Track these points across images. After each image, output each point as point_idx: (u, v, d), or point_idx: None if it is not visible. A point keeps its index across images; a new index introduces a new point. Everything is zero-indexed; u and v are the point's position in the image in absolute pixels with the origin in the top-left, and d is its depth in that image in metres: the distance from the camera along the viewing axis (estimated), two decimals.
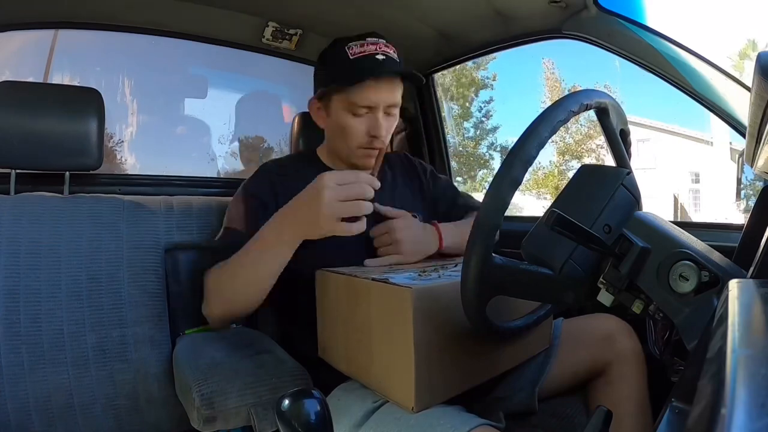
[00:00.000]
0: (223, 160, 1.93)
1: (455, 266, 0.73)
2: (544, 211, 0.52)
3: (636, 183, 0.56)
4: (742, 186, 0.81)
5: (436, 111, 1.50)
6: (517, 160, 0.48)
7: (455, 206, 1.01)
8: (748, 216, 0.58)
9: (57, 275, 0.84)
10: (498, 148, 11.51)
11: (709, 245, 0.50)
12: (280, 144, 1.86)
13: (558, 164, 11.06)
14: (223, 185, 1.26)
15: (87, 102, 0.93)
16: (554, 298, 0.54)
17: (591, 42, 0.97)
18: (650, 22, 0.91)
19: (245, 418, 0.66)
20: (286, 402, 0.43)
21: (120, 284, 0.88)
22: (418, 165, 1.04)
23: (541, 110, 0.50)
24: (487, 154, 11.80)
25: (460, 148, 11.57)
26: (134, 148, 1.84)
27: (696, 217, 10.81)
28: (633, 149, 0.64)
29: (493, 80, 11.22)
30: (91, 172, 0.96)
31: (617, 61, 0.95)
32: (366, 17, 1.16)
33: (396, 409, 0.59)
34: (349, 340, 0.68)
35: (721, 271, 0.45)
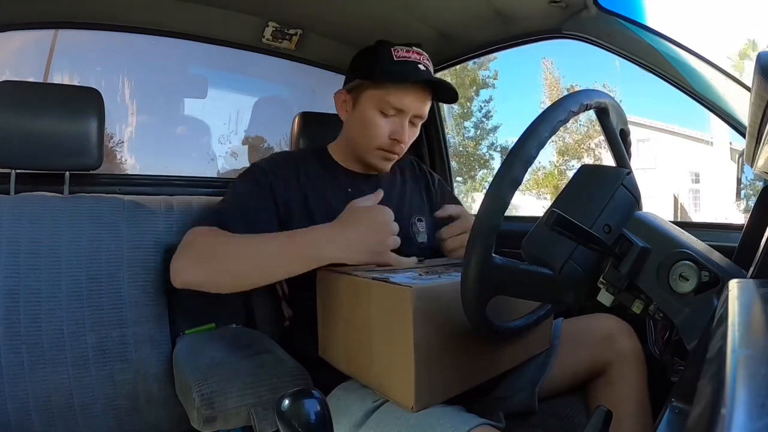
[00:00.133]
0: (223, 160, 1.93)
1: (455, 266, 0.73)
2: (544, 211, 0.52)
3: (636, 183, 0.56)
4: (742, 186, 0.81)
5: (436, 111, 1.50)
6: (517, 160, 0.48)
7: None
8: (748, 216, 0.58)
9: (57, 275, 0.84)
10: (498, 148, 11.53)
11: (709, 245, 0.50)
12: (280, 144, 1.86)
13: (558, 164, 11.07)
14: (223, 185, 1.26)
15: (87, 102, 0.93)
16: (554, 298, 0.54)
17: (591, 42, 0.97)
18: (650, 22, 0.91)
19: (245, 418, 0.66)
20: (286, 402, 0.43)
21: (120, 284, 0.88)
22: (427, 172, 1.04)
23: (540, 110, 0.50)
24: (487, 154, 11.81)
25: (460, 148, 11.58)
26: (134, 148, 1.84)
27: (696, 217, 10.81)
28: (633, 149, 0.64)
29: (495, 78, 11.24)
30: (91, 172, 0.96)
31: (617, 61, 0.95)
32: (366, 17, 1.16)
33: (396, 409, 0.59)
34: (349, 340, 0.68)
35: (721, 271, 0.45)
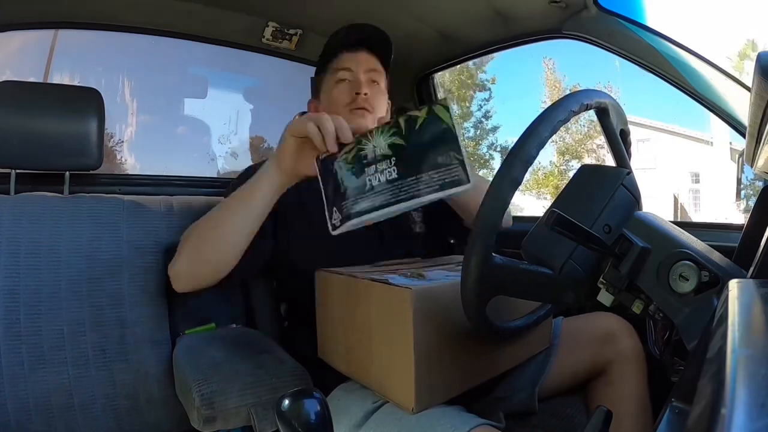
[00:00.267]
0: (223, 160, 1.93)
1: (455, 266, 0.73)
2: (544, 211, 0.52)
3: (636, 183, 0.56)
4: (742, 186, 0.81)
5: None
6: (517, 160, 0.48)
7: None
8: (748, 216, 0.58)
9: (57, 275, 0.84)
10: (498, 148, 11.52)
11: (709, 245, 0.50)
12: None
13: (558, 164, 11.06)
14: (223, 185, 1.26)
15: (87, 102, 0.93)
16: (554, 298, 0.54)
17: (591, 42, 0.97)
18: (650, 22, 0.91)
19: (245, 418, 0.66)
20: (286, 402, 0.43)
21: (120, 284, 0.88)
22: None
23: (541, 110, 0.50)
24: (487, 154, 11.80)
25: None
26: (134, 148, 1.85)
27: (696, 217, 10.81)
28: (633, 149, 0.64)
29: (492, 83, 11.23)
30: (91, 172, 0.96)
31: (617, 60, 0.95)
32: (366, 17, 1.15)
33: (396, 410, 0.59)
34: (349, 341, 0.68)
35: (721, 271, 0.45)
